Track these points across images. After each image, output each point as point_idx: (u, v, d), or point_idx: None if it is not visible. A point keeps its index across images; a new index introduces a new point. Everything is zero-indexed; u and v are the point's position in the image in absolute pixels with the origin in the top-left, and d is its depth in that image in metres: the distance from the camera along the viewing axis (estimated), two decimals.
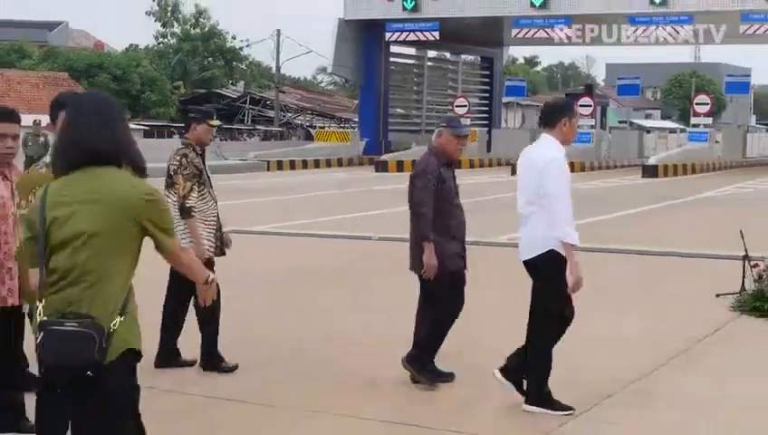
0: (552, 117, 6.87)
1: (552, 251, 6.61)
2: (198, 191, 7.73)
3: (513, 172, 37.90)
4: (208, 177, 7.89)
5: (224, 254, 7.98)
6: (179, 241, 4.53)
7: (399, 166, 39.30)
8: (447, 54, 56.12)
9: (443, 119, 7.78)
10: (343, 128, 59.83)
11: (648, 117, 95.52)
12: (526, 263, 6.84)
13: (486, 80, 56.14)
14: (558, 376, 6.98)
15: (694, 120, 43.52)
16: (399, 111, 53.19)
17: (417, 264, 7.49)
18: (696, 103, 43.45)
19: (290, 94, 71.38)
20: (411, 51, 52.24)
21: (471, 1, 43.71)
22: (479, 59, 57.16)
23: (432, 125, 50.34)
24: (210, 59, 71.37)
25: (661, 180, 35.19)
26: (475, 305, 8.22)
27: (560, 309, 6.73)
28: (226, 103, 65.85)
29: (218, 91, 68.79)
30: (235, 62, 73.29)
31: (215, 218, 7.84)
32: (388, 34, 46.26)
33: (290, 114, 67.49)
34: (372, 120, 48.23)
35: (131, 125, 49.22)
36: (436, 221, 7.32)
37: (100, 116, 4.14)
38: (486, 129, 51.15)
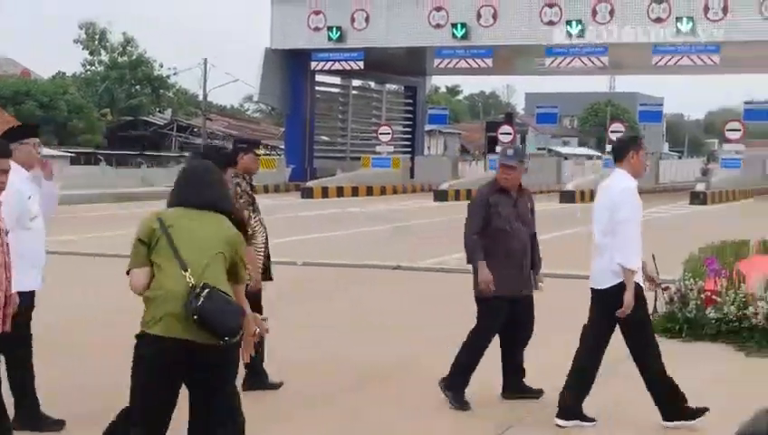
0: (620, 152, 7.23)
1: (623, 282, 6.90)
2: (253, 219, 7.88)
3: (436, 198, 38.35)
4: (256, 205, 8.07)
5: (271, 278, 8.18)
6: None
7: (325, 192, 39.37)
8: (372, 83, 56.37)
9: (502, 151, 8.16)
10: (269, 155, 59.65)
11: (565, 144, 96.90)
12: (598, 292, 7.09)
13: (410, 108, 56.45)
14: (480, 396, 7.06)
15: (609, 148, 44.20)
16: (325, 138, 53.24)
17: (473, 286, 7.77)
18: (611, 131, 44.15)
19: (217, 122, 71.11)
20: (336, 80, 52.39)
21: (395, 32, 44.02)
22: (403, 88, 57.46)
23: (356, 152, 50.68)
24: (137, 87, 70.70)
25: (578, 205, 35.63)
26: (402, 325, 8.28)
27: (646, 323, 7.14)
28: (153, 130, 65.41)
29: (145, 118, 68.23)
30: (162, 90, 72.67)
31: (263, 246, 8.04)
32: (313, 64, 46.35)
33: (217, 141, 67.17)
34: (298, 147, 48.23)
35: (58, 152, 48.65)
36: (485, 245, 7.63)
37: (219, 182, 5.31)
38: (410, 156, 51.44)
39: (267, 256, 8.08)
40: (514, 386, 7.88)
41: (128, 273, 5.02)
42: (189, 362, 4.84)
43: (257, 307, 7.62)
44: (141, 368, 4.93)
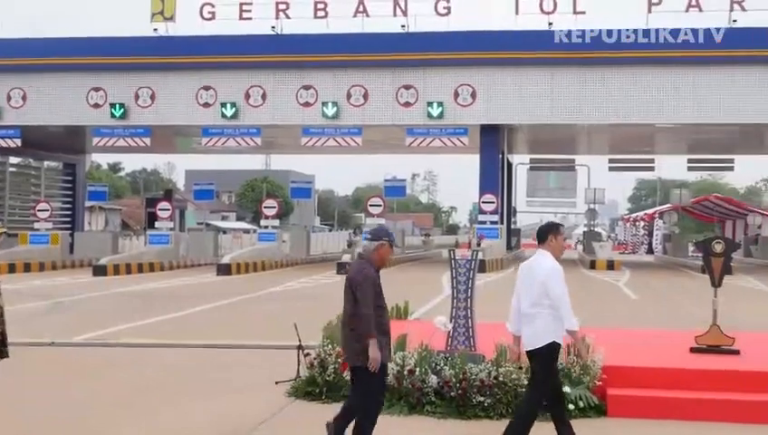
0: (542, 236, 8.20)
1: (553, 342, 7.91)
2: None
3: (95, 273, 37.12)
4: None
5: (6, 356, 7.86)
6: None
7: None
8: (31, 160, 54.26)
9: (380, 232, 8.01)
10: None
11: (224, 219, 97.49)
12: (531, 352, 7.97)
13: (69, 185, 54.80)
14: None
15: (263, 222, 44.91)
16: None
17: (353, 356, 7.77)
18: (265, 207, 44.95)
19: None
20: None
21: (53, 111, 42.84)
22: (62, 165, 55.71)
23: (14, 229, 48.19)
24: None
25: (234, 278, 35.78)
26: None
27: (552, 383, 8.08)
28: None
29: None
30: None
31: None
32: None
33: None
34: None
35: None
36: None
37: None
38: (69, 232, 49.74)
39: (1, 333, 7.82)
40: None
41: None
42: None
43: None
44: None
